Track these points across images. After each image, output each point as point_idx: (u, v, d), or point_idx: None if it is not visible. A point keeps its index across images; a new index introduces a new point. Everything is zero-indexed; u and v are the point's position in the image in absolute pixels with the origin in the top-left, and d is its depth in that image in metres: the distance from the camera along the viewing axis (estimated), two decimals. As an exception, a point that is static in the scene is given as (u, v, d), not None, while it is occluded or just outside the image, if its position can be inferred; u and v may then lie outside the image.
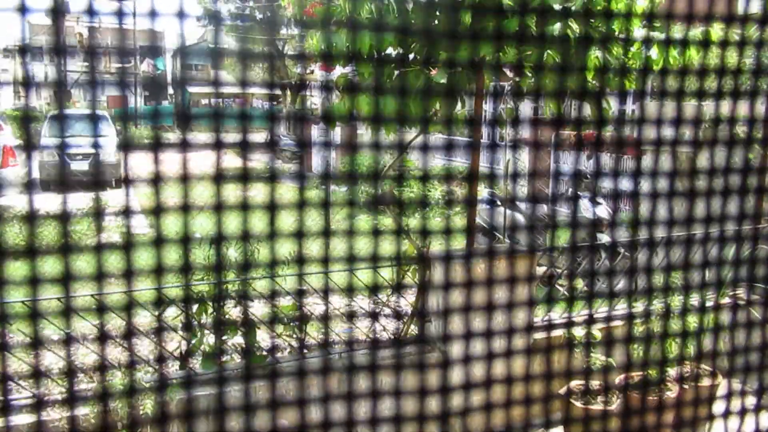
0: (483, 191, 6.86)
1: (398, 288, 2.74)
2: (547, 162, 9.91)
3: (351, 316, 2.99)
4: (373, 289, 2.87)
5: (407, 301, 3.29)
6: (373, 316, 3.24)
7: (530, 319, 2.60)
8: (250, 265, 2.59)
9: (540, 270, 5.78)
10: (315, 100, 20.95)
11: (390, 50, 2.48)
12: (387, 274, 5.44)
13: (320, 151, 14.08)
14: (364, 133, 12.58)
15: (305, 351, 2.56)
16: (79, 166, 10.40)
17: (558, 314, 3.00)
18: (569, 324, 2.89)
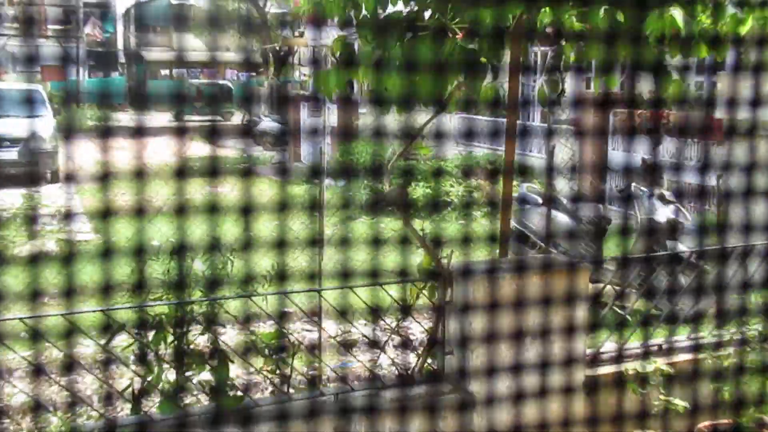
0: (518, 187, 6.88)
1: (409, 311, 2.75)
2: (602, 150, 9.89)
3: (349, 346, 3.01)
4: (378, 312, 2.88)
5: (421, 328, 3.31)
6: (378, 346, 3.25)
7: (581, 351, 2.60)
8: (221, 282, 2.61)
9: (593, 288, 5.75)
10: (304, 70, 21.02)
11: (400, 5, 2.49)
12: (395, 292, 5.45)
13: (311, 136, 14.17)
14: (366, 114, 12.64)
15: (290, 391, 2.58)
16: (6, 155, 10.15)
17: (617, 344, 3.01)
18: (632, 356, 2.89)
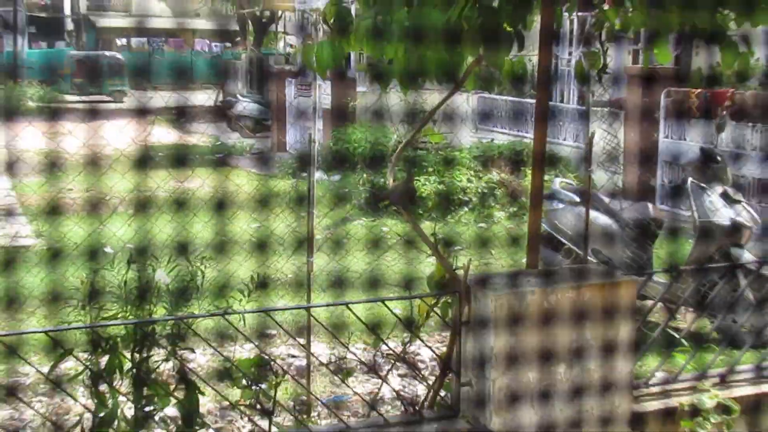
0: (550, 182, 6.89)
1: (418, 331, 2.76)
2: (651, 137, 9.88)
3: (346, 374, 3.01)
4: (379, 333, 2.89)
5: (432, 352, 3.31)
6: (379, 374, 3.25)
7: (625, 380, 2.60)
8: (190, 295, 2.62)
9: (640, 304, 5.75)
10: (290, 40, 21.08)
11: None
12: (400, 309, 5.46)
13: (298, 120, 14.19)
14: (366, 93, 12.66)
15: (273, 429, 2.58)
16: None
17: (669, 372, 3.01)
18: (688, 388, 2.89)
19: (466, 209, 9.45)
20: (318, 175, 11.78)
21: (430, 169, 9.92)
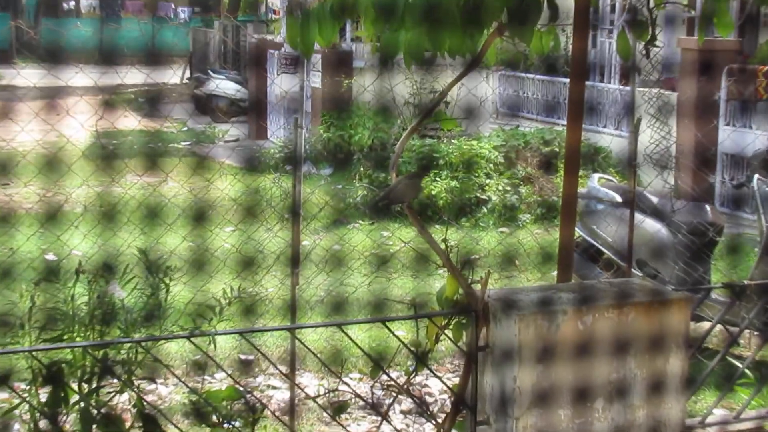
0: (587, 180, 6.89)
1: (426, 360, 2.76)
2: (712, 124, 9.86)
3: (339, 409, 3.02)
4: (380, 362, 2.89)
5: (443, 384, 3.32)
6: (379, 410, 3.26)
7: (677, 419, 2.60)
8: (152, 315, 2.62)
9: (696, 328, 5.72)
10: (274, 4, 21.15)
11: None
12: (405, 332, 5.47)
13: (282, 103, 14.20)
14: (364, 72, 12.68)
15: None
16: None
17: (731, 409, 3.00)
18: (753, 430, 2.89)
19: (484, 211, 9.45)
20: (306, 168, 11.81)
21: (441, 162, 9.93)
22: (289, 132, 13.53)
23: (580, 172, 2.94)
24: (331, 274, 6.23)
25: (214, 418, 2.60)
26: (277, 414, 4.41)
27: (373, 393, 3.90)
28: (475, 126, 10.06)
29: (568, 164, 2.92)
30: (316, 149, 12.25)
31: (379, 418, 3.75)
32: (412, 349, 2.72)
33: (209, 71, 18.10)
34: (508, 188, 9.76)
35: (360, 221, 9.18)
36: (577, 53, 2.86)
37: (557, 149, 10.15)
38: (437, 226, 8.75)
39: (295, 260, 4.23)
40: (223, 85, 16.72)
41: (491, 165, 10.02)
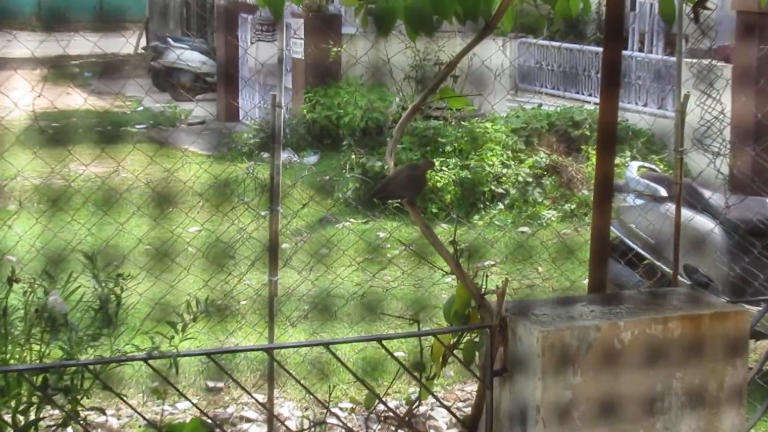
0: (626, 167, 6.86)
1: (430, 384, 2.77)
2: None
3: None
4: (376, 388, 2.89)
5: (452, 415, 3.33)
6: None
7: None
8: (100, 329, 2.62)
9: (760, 346, 5.72)
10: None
11: None
12: (405, 352, 5.46)
13: (257, 76, 14.15)
14: (356, 38, 12.66)
15: None
16: None
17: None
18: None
19: (500, 206, 9.47)
20: (286, 155, 11.78)
21: (449, 149, 9.96)
22: (266, 112, 13.50)
23: (616, 159, 2.95)
24: (317, 283, 6.23)
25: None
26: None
27: (367, 427, 3.91)
28: (490, 104, 10.07)
29: (602, 149, 2.92)
30: (298, 133, 12.25)
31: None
32: (415, 373, 2.72)
33: (169, 39, 18.06)
34: (529, 180, 9.78)
35: (351, 219, 9.18)
36: (613, 15, 2.86)
37: (588, 132, 10.17)
38: (444, 226, 8.75)
39: (273, 266, 4.23)
40: (186, 56, 16.70)
41: (509, 152, 10.05)
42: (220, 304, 5.91)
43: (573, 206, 9.43)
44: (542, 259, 7.40)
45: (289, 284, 6.38)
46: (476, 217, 9.35)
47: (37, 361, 2.63)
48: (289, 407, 5.14)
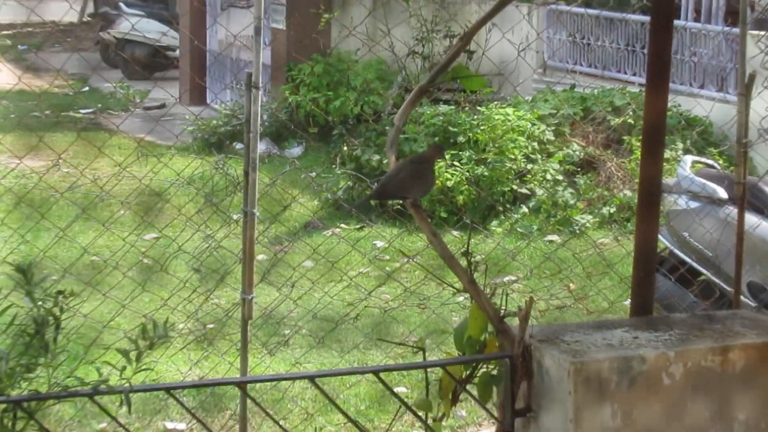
0: (679, 162, 6.81)
1: (439, 426, 2.76)
2: None
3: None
4: (369, 431, 2.90)
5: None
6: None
7: None
8: (38, 361, 2.61)
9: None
10: None
11: None
12: (407, 388, 5.47)
13: (230, 50, 14.10)
14: (349, 4, 12.63)
15: None
16: None
17: None
18: None
19: (524, 210, 9.47)
20: (263, 147, 11.74)
21: (462, 139, 9.95)
22: (239, 94, 13.49)
23: (666, 153, 2.95)
24: (301, 303, 6.23)
25: None
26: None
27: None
28: (512, 86, 10.06)
29: (648, 141, 2.92)
30: (278, 119, 12.24)
31: None
32: (419, 413, 2.72)
33: (121, 4, 18.09)
34: (560, 177, 9.77)
35: (342, 225, 9.17)
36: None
37: (632, 120, 10.15)
38: (455, 233, 8.76)
39: (247, 282, 4.23)
40: (142, 26, 16.66)
41: (535, 143, 10.03)
42: (183, 328, 5.91)
43: (612, 210, 9.42)
44: (575, 275, 7.40)
45: (267, 304, 6.37)
46: (494, 222, 9.34)
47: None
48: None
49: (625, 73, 12.31)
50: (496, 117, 10.14)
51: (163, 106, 14.18)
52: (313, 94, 12.13)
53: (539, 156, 9.92)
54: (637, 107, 9.80)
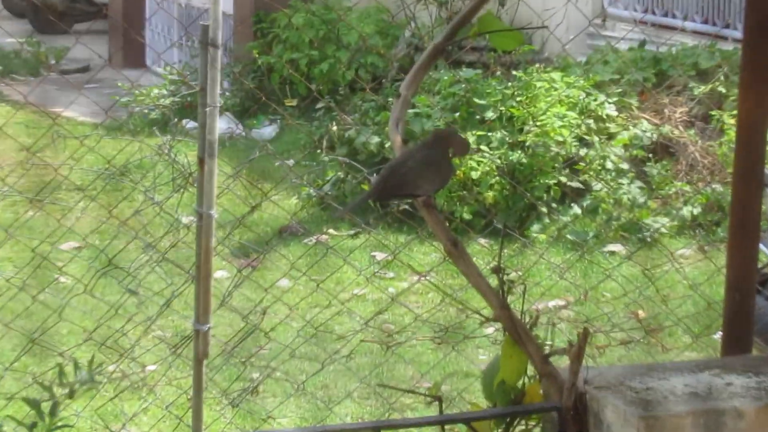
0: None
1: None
2: None
3: None
4: None
5: None
6: None
7: None
8: None
9: None
10: None
11: None
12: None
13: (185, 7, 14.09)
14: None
15: None
16: None
17: None
18: None
19: (575, 210, 9.46)
20: (224, 125, 11.72)
21: (492, 115, 9.94)
22: (191, 54, 13.52)
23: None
24: (274, 336, 6.24)
25: None
26: None
27: None
28: (559, 42, 10.06)
29: (746, 117, 2.93)
30: (243, 88, 12.25)
31: None
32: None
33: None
34: (624, 166, 9.75)
35: (330, 230, 9.18)
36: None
37: (723, 88, 10.14)
38: (483, 241, 8.76)
39: (201, 308, 4.24)
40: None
41: (590, 121, 10.01)
42: (114, 371, 5.91)
43: (696, 211, 9.39)
44: (645, 298, 7.39)
45: (228, 337, 6.37)
46: (535, 227, 9.34)
47: None
48: None
49: (715, 24, 12.30)
50: (538, 85, 10.11)
51: (86, 69, 14.23)
52: (291, 54, 12.14)
53: (596, 138, 9.90)
54: (731, 71, 9.80)
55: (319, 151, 10.38)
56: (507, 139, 9.71)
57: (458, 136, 3.08)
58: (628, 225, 9.24)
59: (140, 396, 5.98)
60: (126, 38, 14.45)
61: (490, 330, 6.53)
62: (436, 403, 2.80)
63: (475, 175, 9.29)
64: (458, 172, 9.04)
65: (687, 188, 9.58)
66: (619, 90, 10.35)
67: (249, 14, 12.89)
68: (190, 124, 11.22)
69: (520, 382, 2.68)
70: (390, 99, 9.73)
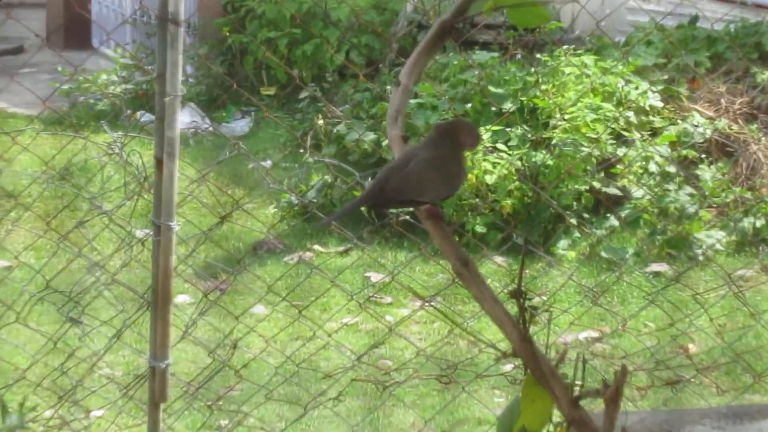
0: None
1: None
2: None
3: None
4: None
5: None
6: None
7: None
8: None
9: None
10: None
11: None
12: None
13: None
14: None
15: None
16: None
17: None
18: None
19: (611, 223, 9.47)
20: (187, 119, 11.75)
21: (511, 107, 9.94)
22: (146, 34, 13.55)
23: None
24: (247, 374, 6.25)
25: None
26: None
27: None
28: (593, 19, 10.09)
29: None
30: (211, 74, 12.28)
31: None
32: None
33: None
34: (671, 170, 9.76)
35: (315, 246, 9.21)
36: None
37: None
38: (500, 260, 8.78)
39: (159, 338, 4.25)
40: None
41: (630, 114, 10.02)
42: (51, 416, 5.92)
43: (760, 222, 9.40)
44: (696, 329, 7.40)
45: (190, 375, 6.38)
46: (563, 242, 9.35)
47: None
48: None
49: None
50: (567, 71, 10.13)
51: (19, 50, 14.26)
52: (268, 33, 12.17)
53: (637, 134, 9.91)
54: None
55: (302, 150, 10.39)
56: (529, 135, 9.72)
57: (466, 124, 3.08)
58: (676, 240, 9.26)
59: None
60: (68, 13, 14.49)
61: (508, 367, 6.55)
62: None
63: (490, 179, 9.29)
64: (470, 175, 9.04)
65: (748, 195, 9.58)
66: (666, 77, 10.37)
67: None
68: (145, 117, 11.27)
69: (545, 431, 2.69)
70: (388, 87, 9.75)
